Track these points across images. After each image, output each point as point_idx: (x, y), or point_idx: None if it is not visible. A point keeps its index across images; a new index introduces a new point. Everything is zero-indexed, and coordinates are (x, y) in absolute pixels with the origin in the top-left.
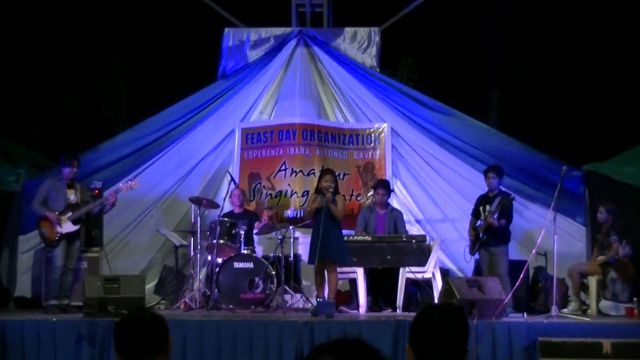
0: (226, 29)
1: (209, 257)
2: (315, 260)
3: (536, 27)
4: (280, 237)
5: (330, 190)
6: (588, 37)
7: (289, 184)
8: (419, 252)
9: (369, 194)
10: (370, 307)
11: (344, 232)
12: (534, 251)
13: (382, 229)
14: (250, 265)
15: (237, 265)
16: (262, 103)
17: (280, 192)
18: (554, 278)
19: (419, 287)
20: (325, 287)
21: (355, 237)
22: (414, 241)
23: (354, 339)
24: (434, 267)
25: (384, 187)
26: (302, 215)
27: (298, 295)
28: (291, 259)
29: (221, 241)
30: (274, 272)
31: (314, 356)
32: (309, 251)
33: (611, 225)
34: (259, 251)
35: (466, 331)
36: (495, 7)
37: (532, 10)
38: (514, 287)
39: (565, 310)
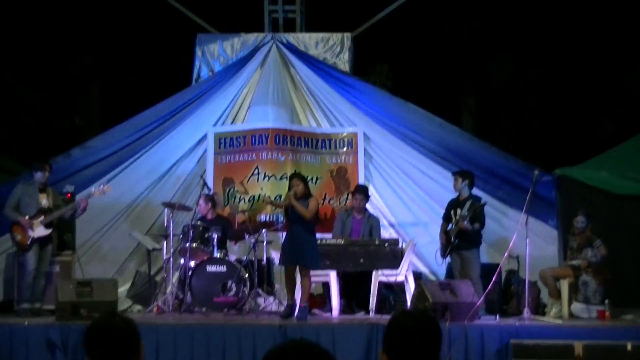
0: (199, 35)
1: (182, 261)
2: (285, 264)
3: (509, 32)
4: (253, 240)
5: (296, 189)
6: (561, 43)
7: (261, 189)
8: (392, 255)
9: (342, 198)
10: (344, 311)
11: (319, 235)
12: (506, 254)
13: (357, 234)
14: (223, 268)
15: (210, 268)
16: (235, 108)
17: (254, 196)
18: (527, 281)
19: (392, 291)
20: (298, 290)
21: (329, 241)
22: (386, 245)
23: (306, 341)
24: (406, 271)
25: (362, 192)
26: (274, 219)
27: (271, 298)
28: (264, 262)
29: (194, 245)
30: (247, 276)
31: None
32: (281, 253)
33: (592, 229)
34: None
35: (439, 337)
36: (469, 13)
37: (506, 16)
38: (486, 290)
39: (550, 315)
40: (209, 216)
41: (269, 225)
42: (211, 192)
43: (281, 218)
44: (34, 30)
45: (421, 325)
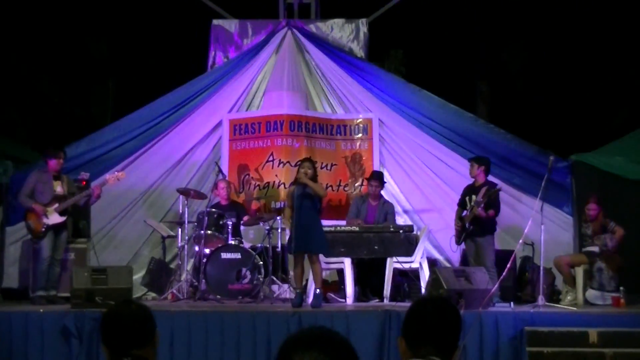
0: (214, 21)
1: (197, 248)
2: (295, 251)
3: (524, 18)
4: (267, 227)
5: (306, 172)
6: (576, 28)
7: (276, 175)
8: (407, 242)
9: (356, 184)
10: (358, 298)
11: (333, 222)
12: (520, 241)
13: (372, 220)
14: (237, 255)
15: (224, 256)
16: (250, 95)
17: (268, 183)
18: (541, 268)
19: (407, 278)
20: (311, 277)
21: (343, 228)
22: (401, 231)
23: (325, 329)
24: (421, 258)
25: (378, 179)
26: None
27: (285, 286)
28: (279, 249)
29: (209, 232)
30: (261, 263)
31: (294, 351)
32: (289, 241)
33: (605, 215)
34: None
35: (459, 324)
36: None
37: (520, 2)
38: (501, 277)
39: (565, 302)
40: (224, 202)
41: (285, 216)
42: (225, 179)
43: None
44: (50, 20)
45: (441, 312)
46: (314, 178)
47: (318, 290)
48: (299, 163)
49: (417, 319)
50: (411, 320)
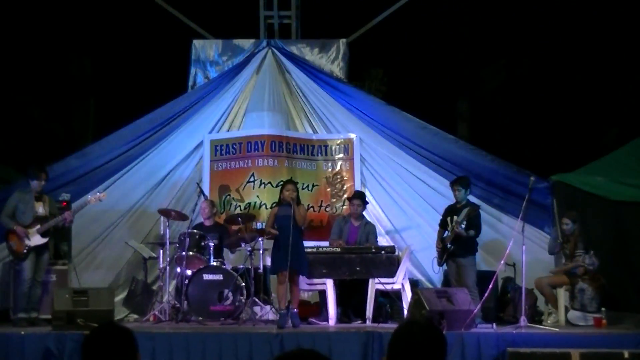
0: (195, 41)
1: (178, 269)
2: (282, 270)
3: (504, 38)
4: (249, 249)
5: (293, 195)
6: (555, 48)
7: (257, 196)
8: (388, 263)
9: (338, 205)
10: (340, 319)
11: (315, 243)
12: (502, 261)
13: (354, 241)
14: (219, 277)
15: (206, 277)
16: (231, 115)
17: (249, 203)
18: (523, 288)
19: (389, 298)
20: (291, 297)
21: (325, 249)
22: (383, 252)
23: (311, 351)
24: (403, 278)
25: (360, 198)
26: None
27: (267, 307)
28: (260, 270)
29: (190, 253)
30: (243, 284)
31: None
32: (273, 261)
33: (579, 235)
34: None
35: (444, 348)
36: (464, 19)
37: (501, 22)
38: (483, 298)
39: (547, 322)
40: (207, 223)
41: (265, 233)
42: (209, 199)
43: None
44: (32, 39)
45: (426, 334)
46: (297, 200)
47: (295, 309)
48: (280, 183)
49: (403, 341)
50: (397, 343)
